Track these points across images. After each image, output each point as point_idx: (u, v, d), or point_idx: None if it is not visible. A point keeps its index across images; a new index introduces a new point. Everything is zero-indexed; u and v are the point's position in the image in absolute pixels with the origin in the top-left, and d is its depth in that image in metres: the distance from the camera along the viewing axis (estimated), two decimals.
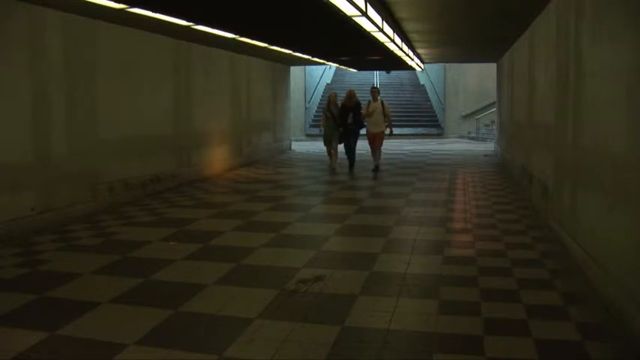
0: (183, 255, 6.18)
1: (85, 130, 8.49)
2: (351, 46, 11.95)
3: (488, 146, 20.17)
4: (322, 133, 13.78)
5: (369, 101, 13.07)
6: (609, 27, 4.78)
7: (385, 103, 13.17)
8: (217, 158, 13.36)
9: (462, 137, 24.87)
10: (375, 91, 13.29)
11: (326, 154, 14.07)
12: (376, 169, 13.11)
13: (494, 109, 19.83)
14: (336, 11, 6.98)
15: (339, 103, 13.60)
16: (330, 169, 13.55)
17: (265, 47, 12.31)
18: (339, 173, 13.05)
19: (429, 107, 27.27)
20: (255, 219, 8.10)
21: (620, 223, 4.33)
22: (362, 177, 12.65)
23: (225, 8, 7.63)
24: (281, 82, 18.64)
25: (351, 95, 13.38)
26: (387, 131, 13.35)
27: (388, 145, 21.29)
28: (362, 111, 12.98)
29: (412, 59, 15.46)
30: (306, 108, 25.46)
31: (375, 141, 13.10)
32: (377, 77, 28.61)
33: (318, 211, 8.90)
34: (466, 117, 25.13)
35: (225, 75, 13.88)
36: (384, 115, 12.93)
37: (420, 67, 19.25)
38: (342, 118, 13.14)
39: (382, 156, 13.87)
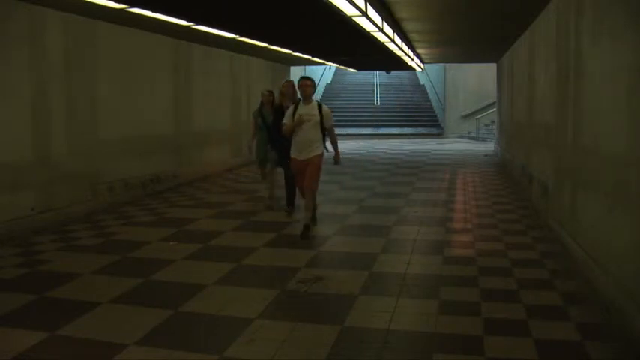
0: (183, 255, 6.18)
1: (85, 130, 8.49)
2: (351, 46, 11.95)
3: (488, 146, 20.17)
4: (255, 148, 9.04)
5: (296, 104, 7.18)
6: (609, 27, 4.78)
7: (326, 107, 7.19)
8: (217, 158, 13.36)
9: (461, 137, 24.86)
10: (306, 84, 7.09)
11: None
12: (307, 229, 6.98)
13: (494, 109, 19.84)
14: (336, 11, 6.98)
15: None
16: (265, 203, 8.93)
17: (265, 47, 12.31)
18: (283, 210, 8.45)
19: (429, 107, 27.28)
20: (255, 219, 8.10)
21: (620, 223, 4.33)
22: (363, 177, 12.63)
23: (226, 8, 7.63)
24: (281, 82, 18.60)
25: (287, 90, 8.04)
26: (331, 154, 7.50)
27: (388, 145, 21.34)
28: (283, 122, 7.23)
29: (412, 59, 15.47)
30: None
31: (307, 174, 7.01)
32: (377, 77, 28.62)
33: (317, 211, 8.88)
34: (466, 117, 25.13)
35: (225, 75, 13.88)
36: (323, 128, 7.10)
37: (420, 67, 19.26)
38: (275, 127, 7.96)
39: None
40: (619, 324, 4.09)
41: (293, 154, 7.12)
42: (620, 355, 3.78)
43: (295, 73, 21.30)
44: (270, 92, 9.01)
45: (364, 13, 7.11)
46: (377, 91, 27.64)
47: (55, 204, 7.78)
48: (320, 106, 7.15)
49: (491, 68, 20.13)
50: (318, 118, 7.02)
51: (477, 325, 4.17)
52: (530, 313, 4.40)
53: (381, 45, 10.75)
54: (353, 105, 27.25)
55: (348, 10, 6.95)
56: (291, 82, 8.50)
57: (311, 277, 5.35)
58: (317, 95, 27.46)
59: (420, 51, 14.51)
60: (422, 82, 29.26)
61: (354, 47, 12.32)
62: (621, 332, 3.99)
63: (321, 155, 7.12)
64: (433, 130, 25.73)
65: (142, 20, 8.37)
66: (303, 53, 14.35)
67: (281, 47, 12.77)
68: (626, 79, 4.22)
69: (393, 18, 9.03)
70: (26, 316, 4.48)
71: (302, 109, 7.03)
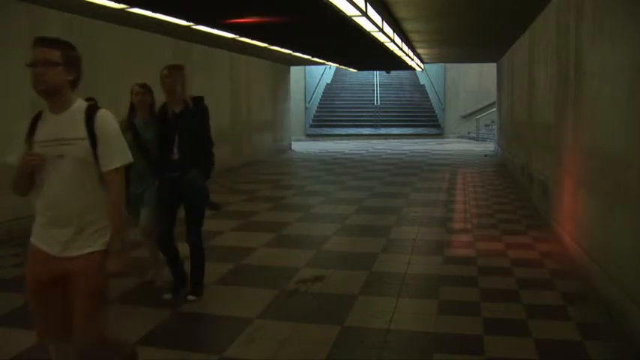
0: (182, 255, 6.16)
1: None
2: (351, 46, 11.95)
3: (488, 146, 20.17)
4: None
5: (37, 114, 2.89)
6: (609, 27, 4.78)
7: (106, 116, 2.84)
8: (216, 158, 13.32)
9: (461, 137, 24.86)
10: (40, 58, 2.74)
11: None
12: None
13: (494, 109, 19.84)
14: (336, 11, 6.98)
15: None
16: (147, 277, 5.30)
17: (265, 47, 12.31)
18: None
19: (429, 107, 27.28)
20: (255, 219, 8.09)
21: (620, 223, 4.33)
22: (363, 177, 12.61)
23: (225, 8, 7.63)
24: (281, 82, 18.64)
25: (169, 83, 4.77)
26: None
27: (388, 145, 21.34)
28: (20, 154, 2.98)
29: (412, 59, 15.47)
30: (306, 108, 25.45)
31: (74, 305, 2.84)
32: (377, 77, 28.61)
33: (318, 211, 8.89)
34: (466, 117, 25.13)
35: (225, 75, 13.88)
36: (100, 173, 2.74)
37: (420, 67, 19.26)
38: (163, 146, 4.89)
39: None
40: (619, 324, 4.09)
41: (33, 241, 2.95)
42: (620, 355, 3.78)
43: (295, 73, 21.31)
44: (144, 86, 5.30)
45: (364, 13, 7.11)
46: (377, 91, 27.63)
47: None
48: (91, 115, 2.86)
49: (491, 68, 20.13)
50: (84, 145, 2.79)
51: (476, 325, 4.17)
52: (530, 313, 4.40)
53: (381, 45, 10.75)
54: (353, 105, 27.24)
55: (348, 10, 6.95)
56: (177, 67, 4.88)
57: (311, 277, 5.35)
58: (317, 96, 27.52)
59: (420, 51, 14.51)
60: (422, 82, 29.24)
61: (354, 47, 12.32)
62: (621, 332, 3.99)
63: (100, 257, 2.98)
64: (433, 130, 25.73)
65: (142, 20, 8.37)
66: (303, 53, 14.36)
67: (281, 47, 12.77)
68: (626, 79, 4.22)
69: (393, 18, 9.03)
70: (26, 316, 4.45)
71: (45, 126, 2.91)
